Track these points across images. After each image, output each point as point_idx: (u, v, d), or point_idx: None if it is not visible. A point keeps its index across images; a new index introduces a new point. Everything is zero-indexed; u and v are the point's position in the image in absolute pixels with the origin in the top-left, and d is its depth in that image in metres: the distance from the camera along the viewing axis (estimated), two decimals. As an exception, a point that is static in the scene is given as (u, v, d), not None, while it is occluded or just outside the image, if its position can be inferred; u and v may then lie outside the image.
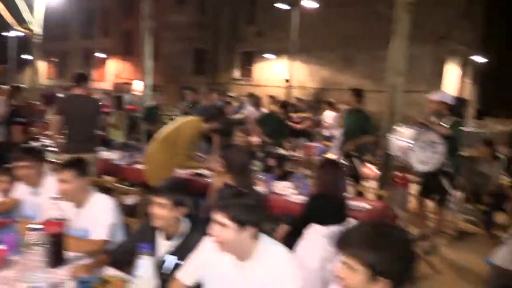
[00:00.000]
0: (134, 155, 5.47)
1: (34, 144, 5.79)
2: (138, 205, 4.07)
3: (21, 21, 14.22)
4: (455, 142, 4.58)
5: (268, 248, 1.97)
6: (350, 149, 5.44)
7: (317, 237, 2.97)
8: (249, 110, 9.46)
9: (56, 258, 2.28)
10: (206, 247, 2.08)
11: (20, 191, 3.12)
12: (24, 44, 19.65)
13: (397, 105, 6.22)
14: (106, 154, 5.71)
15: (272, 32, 17.30)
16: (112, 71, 25.81)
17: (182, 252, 2.25)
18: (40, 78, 15.55)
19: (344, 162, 5.50)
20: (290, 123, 9.75)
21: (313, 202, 3.18)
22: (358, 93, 5.66)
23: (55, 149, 4.71)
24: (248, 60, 19.73)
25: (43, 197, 2.89)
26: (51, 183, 2.92)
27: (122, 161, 5.42)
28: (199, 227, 2.30)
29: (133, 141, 6.92)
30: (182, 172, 4.75)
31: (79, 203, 2.69)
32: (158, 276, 2.24)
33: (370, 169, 6.81)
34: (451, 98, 4.98)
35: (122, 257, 2.33)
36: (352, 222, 3.07)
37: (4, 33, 25.67)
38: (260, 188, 4.11)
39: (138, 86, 15.11)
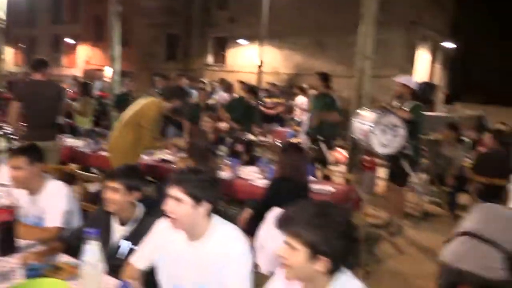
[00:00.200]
0: (100, 142, 5.37)
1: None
2: (101, 193, 4.00)
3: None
4: (416, 125, 4.66)
5: (220, 227, 1.96)
6: (315, 124, 5.45)
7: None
8: (221, 96, 9.42)
9: (6, 246, 2.21)
10: (159, 230, 2.07)
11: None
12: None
13: (364, 89, 6.26)
14: (71, 141, 5.60)
15: (245, 17, 17.15)
16: (82, 58, 25.17)
17: (137, 237, 2.22)
18: (6, 65, 15.02)
19: (311, 146, 5.55)
20: (263, 109, 9.75)
21: (274, 185, 3.18)
22: (325, 77, 5.68)
23: (15, 136, 4.57)
24: (221, 46, 19.54)
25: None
26: (4, 170, 2.83)
27: (87, 148, 5.31)
28: (153, 211, 2.27)
29: (100, 128, 6.79)
30: (147, 158, 4.70)
31: (32, 190, 2.62)
32: (113, 261, 2.22)
33: (340, 154, 6.90)
34: (414, 82, 5.06)
35: (75, 244, 2.28)
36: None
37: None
38: (225, 173, 4.11)
39: (110, 73, 14.79)
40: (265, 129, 7.69)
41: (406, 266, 4.26)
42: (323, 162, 5.42)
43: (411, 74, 15.49)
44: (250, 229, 3.04)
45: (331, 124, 5.50)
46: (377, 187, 6.38)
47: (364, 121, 4.50)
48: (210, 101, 8.56)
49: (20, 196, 2.57)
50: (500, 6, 23.96)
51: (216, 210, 2.00)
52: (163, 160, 4.70)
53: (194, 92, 10.05)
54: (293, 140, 6.36)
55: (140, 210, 2.34)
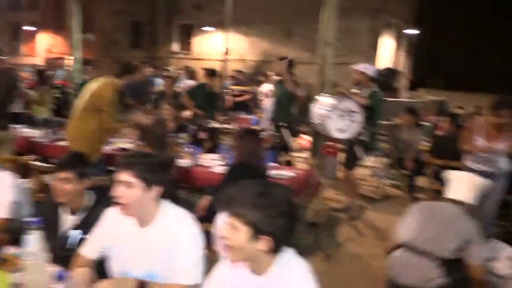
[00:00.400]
0: (58, 132, 5.23)
1: None
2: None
3: None
4: (374, 111, 4.74)
5: (169, 212, 1.95)
6: (278, 110, 5.46)
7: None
8: (185, 83, 9.32)
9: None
10: (108, 217, 2.04)
11: None
12: None
13: (327, 75, 6.31)
14: (27, 132, 5.42)
15: (211, 4, 16.93)
16: (43, 46, 24.30)
17: (87, 225, 2.18)
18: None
19: (274, 132, 5.58)
20: (229, 97, 9.71)
21: (232, 171, 3.19)
22: (287, 63, 5.69)
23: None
24: (187, 33, 19.24)
25: None
26: None
27: (45, 139, 5.15)
28: (103, 199, 2.23)
29: (60, 118, 6.60)
30: (107, 148, 4.61)
31: (-23, 182, 2.53)
32: (64, 252, 2.18)
33: (305, 140, 6.97)
34: (373, 69, 5.13)
35: (22, 235, 2.23)
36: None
37: None
38: (185, 160, 4.09)
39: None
40: (231, 116, 7.68)
41: (366, 248, 4.35)
42: (286, 148, 5.46)
43: (376, 61, 15.76)
44: (210, 216, 3.03)
45: (294, 111, 5.52)
46: (339, 172, 6.49)
47: (322, 106, 4.54)
48: (176, 89, 8.47)
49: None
50: (463, -6, 24.62)
51: (173, 197, 1.99)
52: (123, 149, 4.62)
53: (160, 80, 9.92)
54: (257, 127, 6.37)
55: (90, 198, 2.30)
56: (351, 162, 5.03)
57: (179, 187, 4.00)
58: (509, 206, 4.97)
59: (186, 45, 19.41)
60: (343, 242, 4.50)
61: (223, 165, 4.02)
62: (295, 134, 5.98)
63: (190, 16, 18.69)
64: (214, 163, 4.15)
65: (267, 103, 7.57)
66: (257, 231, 1.45)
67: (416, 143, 5.94)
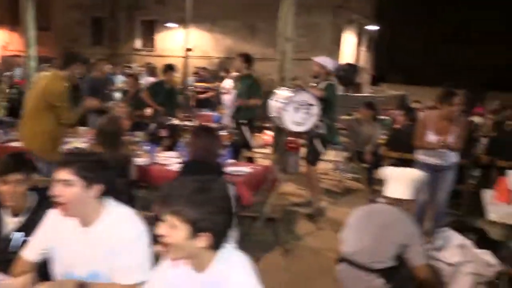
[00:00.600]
0: (9, 132, 5.04)
1: None
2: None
3: None
4: (329, 103, 4.80)
5: (113, 210, 1.91)
6: (237, 107, 5.45)
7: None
8: (146, 80, 9.19)
9: None
10: (50, 218, 1.98)
11: None
12: None
13: (286, 71, 6.35)
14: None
15: (174, 0, 16.70)
16: (-1, 43, 23.34)
17: (30, 227, 2.11)
18: None
19: (234, 129, 5.57)
20: (193, 94, 9.63)
21: (186, 168, 3.16)
22: (247, 58, 5.69)
23: None
24: (150, 30, 18.86)
25: None
26: None
27: (-5, 140, 4.96)
28: (46, 200, 2.16)
29: (14, 118, 6.36)
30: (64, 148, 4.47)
31: None
32: (5, 255, 2.10)
33: (268, 136, 7.00)
34: (332, 63, 5.18)
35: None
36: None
37: None
38: (142, 159, 4.03)
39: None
40: (193, 113, 7.62)
41: (326, 242, 4.37)
42: (246, 145, 5.46)
43: (339, 57, 15.98)
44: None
45: (252, 107, 5.53)
46: (302, 167, 6.55)
47: (278, 99, 4.56)
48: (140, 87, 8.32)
49: None
50: (423, -9, 25.30)
51: (129, 195, 1.95)
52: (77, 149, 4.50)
53: (121, 78, 9.73)
54: (218, 123, 6.35)
55: (33, 199, 2.23)
56: (313, 157, 5.07)
57: (136, 186, 3.94)
58: (460, 195, 5.17)
59: (149, 41, 19.05)
60: (302, 237, 4.54)
61: (180, 163, 3.99)
62: (257, 130, 5.99)
63: (153, 12, 18.36)
64: (172, 161, 4.11)
65: (228, 100, 7.57)
66: (196, 228, 1.43)
67: (374, 137, 6.07)
